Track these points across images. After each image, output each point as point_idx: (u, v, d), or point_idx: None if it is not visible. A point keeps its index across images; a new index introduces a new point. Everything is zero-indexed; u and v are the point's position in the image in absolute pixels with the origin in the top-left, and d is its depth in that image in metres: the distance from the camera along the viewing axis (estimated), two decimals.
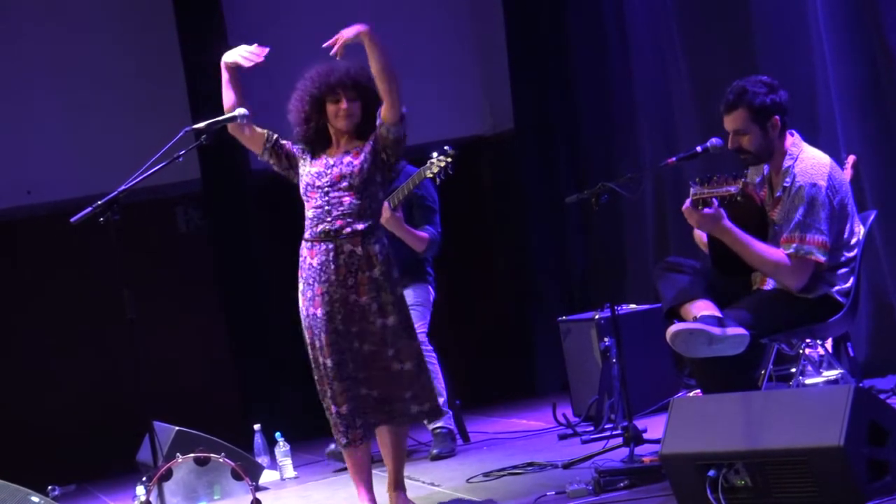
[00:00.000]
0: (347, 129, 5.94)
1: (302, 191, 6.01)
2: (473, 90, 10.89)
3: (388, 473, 6.07)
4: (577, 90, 9.92)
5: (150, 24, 10.21)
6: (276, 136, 6.11)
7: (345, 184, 5.88)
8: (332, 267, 5.87)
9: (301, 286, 5.97)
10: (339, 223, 5.87)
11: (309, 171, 5.98)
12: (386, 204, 7.21)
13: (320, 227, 5.89)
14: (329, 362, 5.85)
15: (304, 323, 5.97)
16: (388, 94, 5.83)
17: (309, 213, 5.96)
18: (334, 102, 5.91)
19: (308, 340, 5.96)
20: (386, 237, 6.04)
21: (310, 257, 5.94)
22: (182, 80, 10.07)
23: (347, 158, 5.92)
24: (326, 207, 5.89)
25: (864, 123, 7.32)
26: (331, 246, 5.88)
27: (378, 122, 5.89)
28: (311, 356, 5.96)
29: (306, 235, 5.96)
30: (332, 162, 5.94)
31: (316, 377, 5.94)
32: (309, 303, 5.93)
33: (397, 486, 6.05)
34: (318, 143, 6.00)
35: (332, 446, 7.73)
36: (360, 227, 5.89)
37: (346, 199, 5.88)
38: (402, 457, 6.12)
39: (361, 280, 5.88)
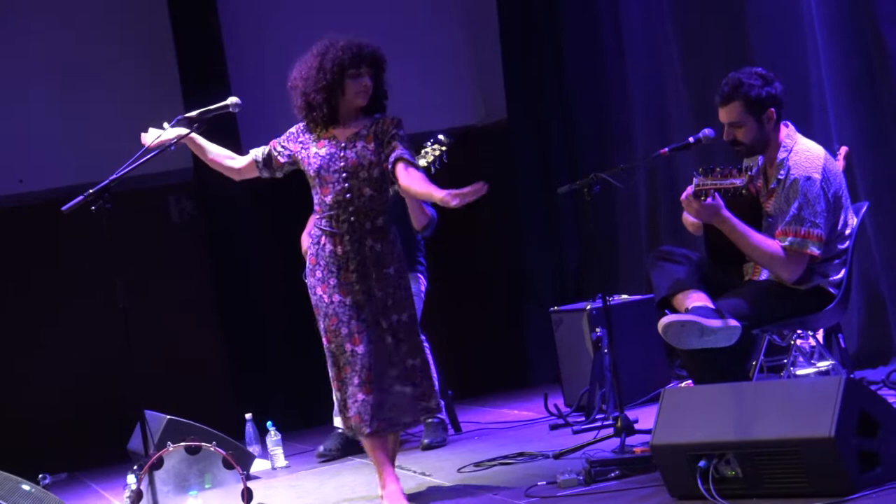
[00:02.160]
0: (361, 106, 5.91)
1: (312, 174, 5.92)
2: (466, 80, 10.88)
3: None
4: (571, 80, 9.91)
5: (143, 13, 10.19)
6: (264, 152, 6.05)
7: (364, 174, 5.86)
8: (358, 259, 5.85)
9: (319, 273, 5.92)
10: (362, 216, 5.86)
11: (317, 152, 5.90)
12: None
13: (342, 217, 5.85)
14: (360, 349, 5.83)
15: (326, 310, 5.90)
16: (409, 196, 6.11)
17: (327, 199, 5.88)
18: (356, 77, 5.85)
19: (329, 327, 5.89)
20: (398, 232, 6.03)
21: (331, 244, 5.89)
22: (174, 69, 10.05)
23: (362, 143, 5.87)
24: (347, 196, 5.86)
25: (857, 115, 7.33)
26: (355, 237, 5.86)
27: (388, 160, 5.87)
28: (330, 343, 5.91)
29: (323, 225, 5.91)
30: (343, 144, 5.89)
31: (334, 363, 5.90)
32: (333, 290, 5.88)
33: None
34: (326, 118, 5.90)
35: (322, 448, 7.73)
36: (379, 222, 5.90)
37: (367, 191, 5.88)
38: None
39: (380, 275, 5.89)
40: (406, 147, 5.84)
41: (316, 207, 5.95)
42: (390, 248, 5.93)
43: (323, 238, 5.93)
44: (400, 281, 5.95)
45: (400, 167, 5.78)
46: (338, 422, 7.45)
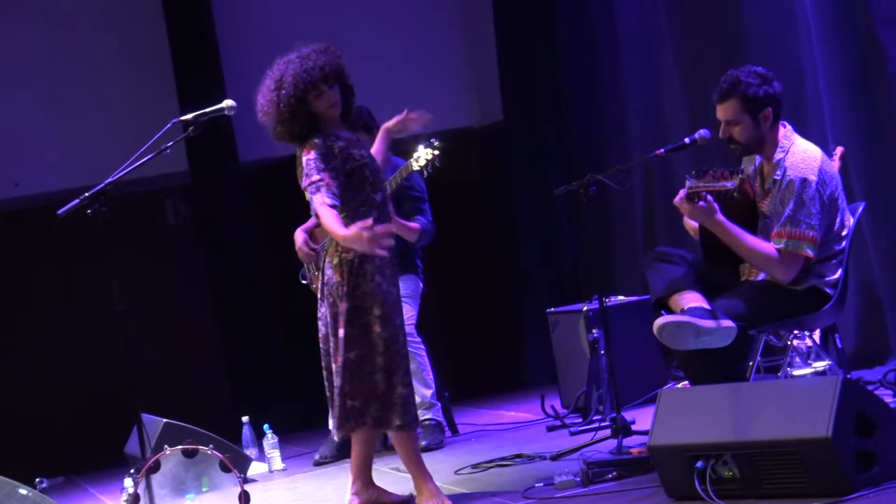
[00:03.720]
0: (337, 115, 5.89)
1: (368, 173, 5.81)
2: (462, 82, 10.89)
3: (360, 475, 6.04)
4: (566, 81, 9.92)
5: (138, 16, 10.19)
6: (334, 193, 5.74)
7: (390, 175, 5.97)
8: (376, 260, 5.78)
9: (377, 261, 5.74)
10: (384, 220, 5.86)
11: (364, 153, 5.86)
12: None
13: (382, 218, 5.80)
14: (402, 340, 5.84)
15: (386, 298, 5.77)
16: None
17: (377, 197, 5.84)
18: (318, 97, 5.78)
19: (386, 315, 5.77)
20: None
21: (350, 252, 5.77)
22: (170, 72, 10.05)
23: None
24: (377, 199, 5.87)
25: (853, 115, 7.33)
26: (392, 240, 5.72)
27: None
28: (383, 333, 5.75)
29: (375, 217, 5.69)
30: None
31: (385, 352, 5.77)
32: (390, 281, 5.83)
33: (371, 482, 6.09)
34: (310, 136, 5.81)
35: (318, 455, 7.73)
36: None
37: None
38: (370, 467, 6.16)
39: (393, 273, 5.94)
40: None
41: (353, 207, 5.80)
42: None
43: (336, 246, 5.82)
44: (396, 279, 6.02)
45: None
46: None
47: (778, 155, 5.79)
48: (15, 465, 7.48)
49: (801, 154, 5.76)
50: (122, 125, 9.82)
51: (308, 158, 5.70)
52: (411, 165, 7.07)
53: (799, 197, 5.66)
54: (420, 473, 5.87)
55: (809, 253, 5.67)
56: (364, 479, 5.96)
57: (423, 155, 7.01)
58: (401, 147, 7.23)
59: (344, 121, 5.97)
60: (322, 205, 5.56)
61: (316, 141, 5.74)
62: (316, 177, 5.64)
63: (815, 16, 7.40)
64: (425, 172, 7.08)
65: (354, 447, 5.93)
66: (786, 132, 5.83)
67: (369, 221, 5.35)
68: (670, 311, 5.67)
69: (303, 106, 5.77)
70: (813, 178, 5.68)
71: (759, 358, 6.01)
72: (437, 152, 6.96)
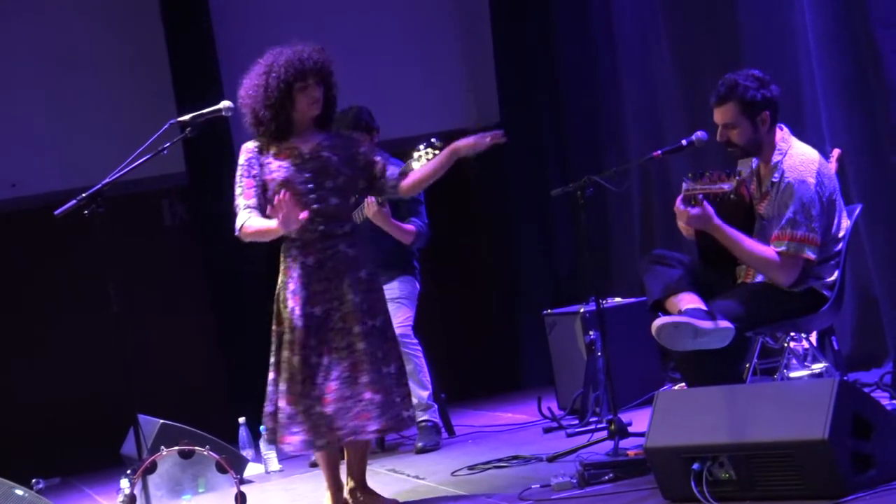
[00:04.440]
0: (314, 116, 5.90)
1: (274, 188, 5.83)
2: (459, 84, 10.89)
3: (352, 481, 6.02)
4: (563, 84, 9.92)
5: (135, 17, 10.18)
6: (253, 203, 5.91)
7: (330, 184, 5.84)
8: (330, 265, 5.83)
9: (292, 285, 5.86)
10: (330, 223, 5.84)
11: (280, 164, 5.86)
12: (371, 199, 7.19)
13: (311, 227, 5.82)
14: (325, 360, 5.78)
15: (297, 322, 5.82)
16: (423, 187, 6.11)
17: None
18: (304, 90, 5.82)
19: (296, 339, 5.82)
20: (367, 236, 6.01)
21: (301, 256, 5.88)
22: (167, 73, 10.06)
23: (325, 154, 5.86)
24: (315, 206, 5.82)
25: (850, 117, 7.33)
26: (328, 244, 5.85)
27: (387, 180, 6.01)
28: (294, 355, 5.81)
29: (295, 234, 5.85)
30: (306, 156, 5.87)
31: (292, 376, 5.80)
32: (304, 301, 5.84)
33: (365, 484, 6.04)
34: (280, 132, 5.87)
35: (313, 457, 7.72)
36: (347, 227, 5.90)
37: (333, 200, 5.86)
38: (366, 463, 6.12)
39: (353, 280, 5.85)
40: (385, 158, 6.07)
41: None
42: (362, 252, 5.94)
43: (293, 249, 5.89)
44: (373, 285, 5.94)
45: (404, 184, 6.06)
46: None
47: (775, 158, 5.79)
48: (11, 466, 7.47)
49: (798, 157, 5.76)
50: (119, 126, 9.82)
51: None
52: (410, 166, 7.01)
53: (799, 200, 5.67)
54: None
55: (811, 255, 5.67)
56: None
57: (423, 155, 6.98)
58: (399, 148, 7.22)
59: (322, 126, 5.95)
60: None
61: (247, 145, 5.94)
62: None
63: (812, 18, 7.40)
64: None
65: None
66: (783, 135, 5.84)
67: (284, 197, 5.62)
68: (668, 314, 5.67)
69: (288, 95, 5.79)
70: (811, 180, 5.69)
71: (755, 360, 6.02)
72: (437, 152, 6.93)
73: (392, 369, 5.88)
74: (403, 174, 5.98)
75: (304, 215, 5.63)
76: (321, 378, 5.79)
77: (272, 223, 5.72)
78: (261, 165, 5.91)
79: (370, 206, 7.10)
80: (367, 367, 5.80)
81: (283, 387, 5.83)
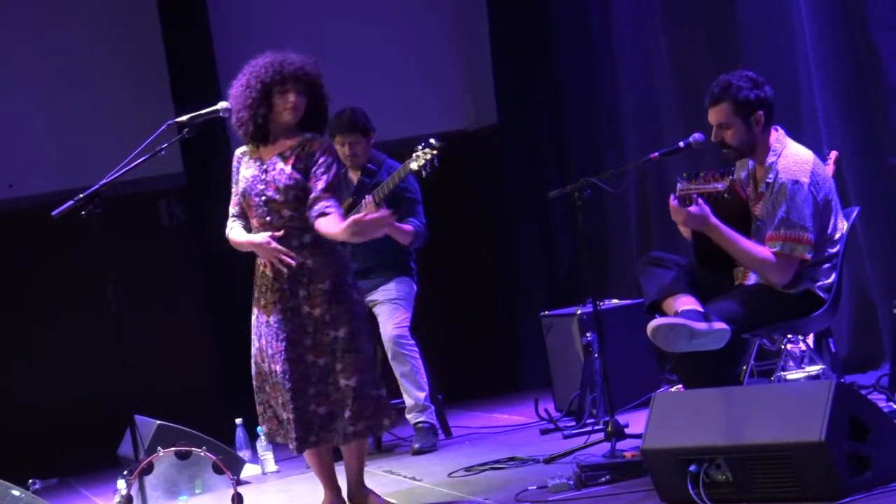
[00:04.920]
0: (290, 124, 5.86)
1: (239, 196, 5.91)
2: (457, 85, 10.89)
3: (349, 483, 6.01)
4: (561, 85, 9.92)
5: (133, 16, 10.18)
6: (239, 212, 5.98)
7: (280, 197, 5.77)
8: (285, 276, 5.80)
9: (255, 293, 5.93)
10: (287, 237, 5.79)
11: (244, 175, 5.89)
12: (369, 198, 7.19)
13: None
14: (278, 368, 5.78)
15: (255, 330, 5.91)
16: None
17: (253, 222, 5.88)
18: (282, 94, 5.79)
19: (256, 346, 5.91)
20: (340, 245, 5.96)
21: (262, 266, 5.89)
22: (165, 74, 10.05)
23: (280, 165, 5.80)
24: (268, 218, 5.82)
25: (847, 119, 7.33)
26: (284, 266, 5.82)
27: (310, 212, 5.76)
28: (258, 363, 5.91)
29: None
30: (265, 166, 5.84)
31: (259, 384, 5.91)
32: (262, 310, 5.88)
33: (362, 488, 6.02)
34: (257, 135, 5.86)
35: None
36: (307, 238, 5.80)
37: (286, 212, 5.80)
38: (361, 466, 6.04)
39: (314, 291, 5.78)
40: (330, 192, 5.76)
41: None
42: (325, 263, 5.82)
43: (258, 258, 5.91)
44: (337, 296, 5.81)
45: (319, 223, 5.72)
46: None
47: (770, 158, 5.80)
48: (8, 466, 7.47)
49: (792, 157, 5.77)
50: (117, 127, 9.81)
51: (328, 159, 5.83)
52: (409, 166, 7.00)
53: (792, 199, 5.67)
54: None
55: (805, 255, 5.67)
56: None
57: (421, 155, 6.97)
58: (397, 149, 7.23)
59: (307, 129, 5.90)
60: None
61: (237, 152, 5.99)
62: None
63: (809, 19, 7.40)
64: (424, 173, 7.01)
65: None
66: (778, 136, 5.84)
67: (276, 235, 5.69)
68: (664, 315, 5.67)
69: (265, 97, 5.78)
70: (805, 180, 5.69)
71: (752, 362, 6.02)
72: (436, 152, 6.92)
73: (352, 382, 5.78)
74: (322, 214, 5.82)
75: (289, 261, 5.75)
76: (278, 385, 5.82)
77: (244, 238, 5.87)
78: (237, 170, 5.98)
79: (368, 206, 7.09)
80: (325, 379, 5.79)
81: (258, 398, 5.96)
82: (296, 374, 5.76)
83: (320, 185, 5.74)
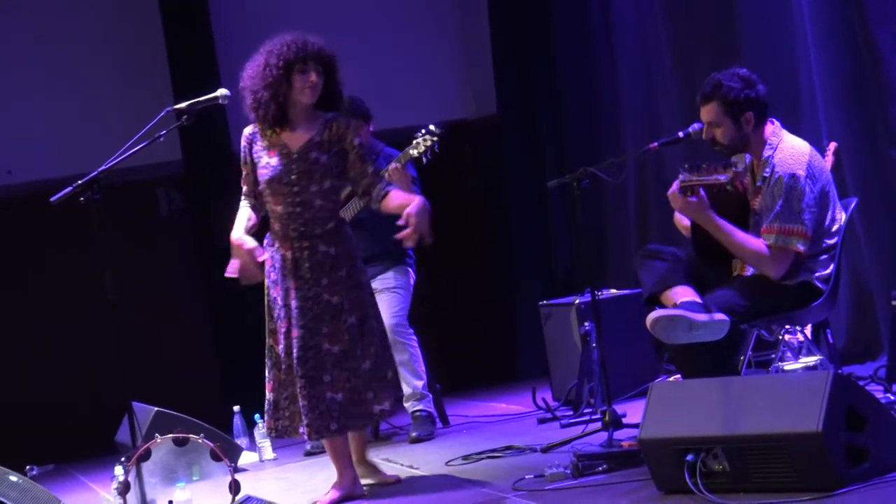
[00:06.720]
0: (308, 105, 5.90)
1: (263, 184, 5.95)
2: (457, 75, 10.87)
3: (354, 454, 6.16)
4: (561, 75, 9.91)
5: (134, 5, 10.17)
6: (248, 190, 6.07)
7: (315, 188, 5.85)
8: (307, 265, 5.87)
9: (273, 275, 5.97)
10: (312, 224, 5.87)
11: (268, 162, 5.92)
12: (395, 165, 7.08)
13: (293, 226, 5.89)
14: (294, 354, 5.85)
15: (276, 313, 5.97)
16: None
17: (279, 209, 5.92)
18: (303, 73, 5.84)
19: (277, 329, 5.96)
20: (349, 234, 6.03)
21: (282, 249, 5.94)
22: (164, 60, 10.04)
23: (314, 154, 5.86)
24: (297, 209, 5.88)
25: (847, 113, 7.33)
26: (305, 244, 5.89)
27: (371, 198, 5.93)
28: (277, 344, 5.96)
29: (276, 228, 5.97)
30: (294, 154, 5.89)
31: (275, 364, 5.97)
32: (283, 293, 5.92)
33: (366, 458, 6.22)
34: (277, 116, 5.89)
35: (309, 446, 7.72)
36: (330, 226, 5.91)
37: (317, 202, 5.88)
38: (365, 439, 6.27)
39: (334, 280, 5.88)
40: (378, 170, 5.99)
41: (269, 213, 6.02)
42: (343, 251, 5.93)
43: (276, 242, 5.97)
44: (352, 282, 5.94)
45: (390, 199, 5.91)
46: None
47: (766, 152, 5.80)
48: (5, 452, 7.48)
49: (788, 150, 5.77)
50: (115, 113, 9.80)
51: (360, 140, 5.97)
52: (409, 153, 7.00)
53: (788, 192, 5.68)
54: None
55: (800, 248, 5.67)
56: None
57: (421, 142, 6.97)
58: (396, 138, 7.22)
59: (324, 108, 5.94)
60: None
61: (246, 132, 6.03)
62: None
63: (810, 14, 7.40)
64: (424, 159, 7.01)
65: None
66: (774, 129, 5.84)
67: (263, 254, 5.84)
68: (663, 307, 5.67)
69: (287, 75, 5.80)
70: (801, 172, 5.70)
71: (750, 352, 6.03)
72: (435, 139, 6.92)
73: (368, 365, 5.93)
74: (386, 194, 5.90)
75: (262, 257, 5.88)
76: (291, 370, 5.91)
77: (239, 227, 5.98)
78: (252, 155, 5.99)
79: (395, 170, 7.02)
80: (343, 366, 5.88)
81: (269, 375, 6.00)
82: (311, 362, 5.84)
83: (369, 168, 5.93)
